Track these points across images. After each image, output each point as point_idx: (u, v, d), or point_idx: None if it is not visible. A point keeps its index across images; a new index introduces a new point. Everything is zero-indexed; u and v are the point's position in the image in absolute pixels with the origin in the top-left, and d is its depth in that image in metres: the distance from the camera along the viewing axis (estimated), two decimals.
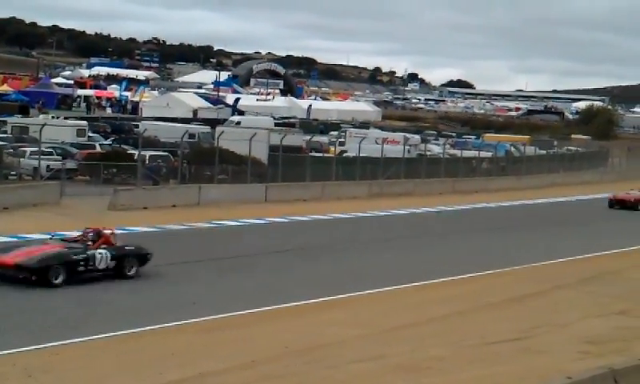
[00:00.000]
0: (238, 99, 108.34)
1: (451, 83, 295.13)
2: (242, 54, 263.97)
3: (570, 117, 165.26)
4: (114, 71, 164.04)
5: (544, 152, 74.07)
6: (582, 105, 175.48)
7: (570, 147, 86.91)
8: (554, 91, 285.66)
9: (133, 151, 44.34)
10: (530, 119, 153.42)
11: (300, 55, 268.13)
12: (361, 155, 50.37)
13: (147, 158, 42.70)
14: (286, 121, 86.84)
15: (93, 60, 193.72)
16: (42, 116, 66.64)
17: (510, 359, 17.77)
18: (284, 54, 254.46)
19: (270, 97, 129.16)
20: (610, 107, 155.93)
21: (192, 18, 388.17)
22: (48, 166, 40.35)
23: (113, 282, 22.69)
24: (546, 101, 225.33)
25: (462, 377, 16.38)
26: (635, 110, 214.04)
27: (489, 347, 18.65)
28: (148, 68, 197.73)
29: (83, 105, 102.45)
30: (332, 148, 59.33)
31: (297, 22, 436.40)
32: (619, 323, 21.78)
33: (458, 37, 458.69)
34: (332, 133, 76.90)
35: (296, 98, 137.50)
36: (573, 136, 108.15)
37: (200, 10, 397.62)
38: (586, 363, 16.66)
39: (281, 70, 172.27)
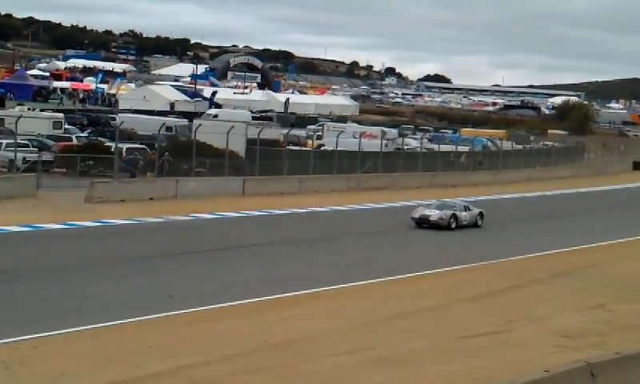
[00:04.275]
0: (215, 92, 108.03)
1: (428, 78, 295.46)
2: (219, 47, 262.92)
3: (547, 112, 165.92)
4: (90, 63, 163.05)
5: (520, 147, 74.32)
6: (558, 100, 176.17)
7: (546, 142, 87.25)
8: (531, 86, 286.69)
9: (110, 144, 44.18)
10: (507, 114, 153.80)
11: (277, 49, 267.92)
12: (338, 149, 50.34)
13: (124, 150, 42.54)
14: (264, 114, 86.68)
15: (69, 52, 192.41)
16: (17, 108, 66.13)
17: (488, 353, 17.84)
18: (261, 48, 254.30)
19: (247, 90, 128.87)
20: (585, 103, 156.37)
21: (173, 11, 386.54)
22: (24, 158, 40.10)
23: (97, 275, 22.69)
24: (523, 96, 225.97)
25: (440, 370, 16.45)
26: (611, 105, 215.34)
27: (466, 341, 18.72)
28: (125, 61, 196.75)
29: (63, 97, 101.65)
30: (310, 142, 59.30)
31: (278, 16, 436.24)
32: (595, 317, 21.91)
33: (439, 32, 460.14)
34: (310, 126, 76.84)
35: (273, 91, 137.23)
36: (549, 131, 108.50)
37: (182, 3, 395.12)
38: (562, 357, 16.75)
39: (258, 63, 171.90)
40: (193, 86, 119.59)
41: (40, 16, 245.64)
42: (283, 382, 15.30)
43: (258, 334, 18.13)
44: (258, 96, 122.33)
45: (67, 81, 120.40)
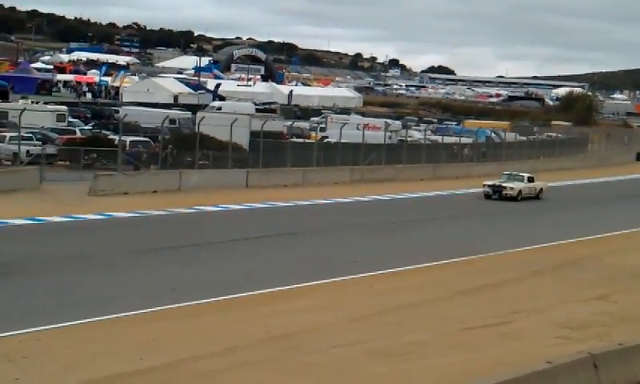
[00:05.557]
0: (218, 85, 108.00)
1: (432, 69, 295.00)
2: (222, 39, 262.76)
3: (550, 103, 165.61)
4: (93, 56, 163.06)
5: (524, 138, 74.19)
6: (561, 91, 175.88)
7: (549, 133, 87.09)
8: (535, 77, 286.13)
9: (113, 136, 44.25)
10: (511, 105, 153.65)
11: (281, 41, 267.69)
12: (342, 141, 50.32)
13: (128, 143, 42.57)
14: (267, 106, 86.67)
15: (72, 45, 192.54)
16: (21, 101, 66.14)
17: (490, 344, 17.85)
18: (265, 40, 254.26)
19: (250, 82, 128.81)
20: (589, 93, 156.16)
21: (176, 3, 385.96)
22: (28, 151, 40.15)
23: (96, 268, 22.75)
24: (527, 87, 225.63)
25: (442, 361, 16.45)
26: (615, 96, 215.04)
27: (468, 333, 18.73)
28: (128, 53, 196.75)
29: (64, 90, 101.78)
30: (313, 134, 59.27)
31: (282, 8, 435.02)
32: (598, 309, 21.90)
33: (443, 24, 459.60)
34: (313, 118, 76.84)
35: (277, 83, 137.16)
36: (553, 122, 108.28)
37: None
38: (565, 348, 16.76)
39: (262, 55, 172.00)
40: (196, 78, 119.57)
41: (44, 9, 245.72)
42: (286, 374, 15.33)
43: (258, 326, 18.15)
44: (261, 88, 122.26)
45: (71, 74, 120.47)
